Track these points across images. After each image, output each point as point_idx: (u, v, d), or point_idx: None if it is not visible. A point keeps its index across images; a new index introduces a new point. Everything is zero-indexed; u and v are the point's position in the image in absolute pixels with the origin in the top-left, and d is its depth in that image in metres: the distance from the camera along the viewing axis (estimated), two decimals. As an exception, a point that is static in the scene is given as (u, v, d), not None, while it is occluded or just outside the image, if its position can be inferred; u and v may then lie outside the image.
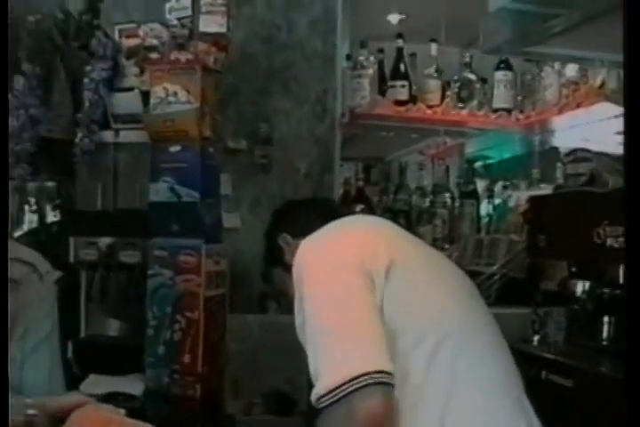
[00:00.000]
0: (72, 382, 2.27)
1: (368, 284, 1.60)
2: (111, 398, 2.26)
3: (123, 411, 1.47)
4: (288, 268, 1.88)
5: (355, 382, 1.44)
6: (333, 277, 1.62)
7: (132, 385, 2.61)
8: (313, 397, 1.49)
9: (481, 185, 4.36)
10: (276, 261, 2.09)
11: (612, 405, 2.31)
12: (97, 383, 2.61)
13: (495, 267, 3.53)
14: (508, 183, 4.28)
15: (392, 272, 1.62)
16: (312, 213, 2.09)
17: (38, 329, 1.86)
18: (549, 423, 2.49)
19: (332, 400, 1.46)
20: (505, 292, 3.49)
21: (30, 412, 1.50)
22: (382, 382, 1.45)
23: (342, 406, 1.45)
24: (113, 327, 2.90)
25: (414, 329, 1.61)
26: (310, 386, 1.93)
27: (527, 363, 2.83)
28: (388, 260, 1.64)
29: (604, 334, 2.79)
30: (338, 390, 1.45)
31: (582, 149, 3.09)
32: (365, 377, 1.44)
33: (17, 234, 2.94)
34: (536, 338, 3.04)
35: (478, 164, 4.66)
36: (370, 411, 1.45)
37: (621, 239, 2.50)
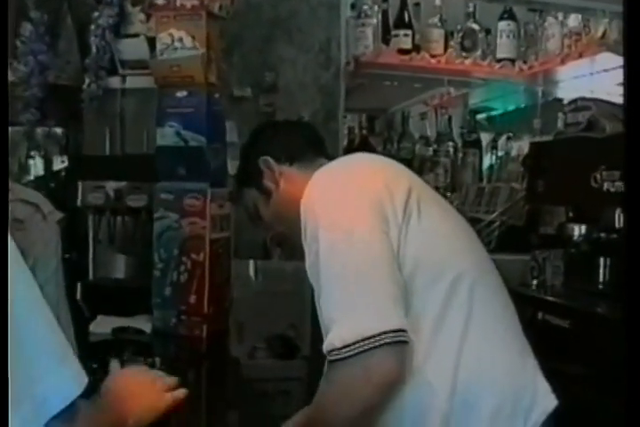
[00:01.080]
0: (81, 323, 2.34)
1: (384, 228, 1.54)
2: (121, 332, 2.33)
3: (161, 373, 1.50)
4: (265, 191, 1.88)
5: (373, 340, 1.42)
6: (349, 221, 1.55)
7: (141, 324, 2.68)
8: (327, 347, 1.47)
9: (485, 138, 4.39)
10: (251, 183, 1.93)
11: (606, 344, 2.37)
12: (106, 323, 2.68)
13: (495, 214, 3.57)
14: (511, 134, 4.31)
15: (410, 205, 1.58)
16: (296, 136, 1.97)
17: (46, 266, 1.92)
18: (546, 361, 2.56)
19: (347, 355, 1.44)
20: (504, 238, 3.54)
21: None
22: (399, 341, 1.44)
23: (357, 364, 1.45)
24: (120, 270, 2.97)
25: (433, 263, 1.59)
26: (314, 331, 1.99)
27: (525, 305, 2.90)
28: (407, 193, 1.59)
29: (600, 276, 2.84)
30: (355, 346, 1.43)
31: (582, 98, 3.12)
32: (383, 336, 1.43)
33: (26, 179, 2.99)
34: (534, 282, 3.10)
35: (482, 116, 4.67)
36: (386, 372, 1.46)
37: (618, 183, 2.54)
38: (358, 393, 1.47)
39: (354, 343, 1.43)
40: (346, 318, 1.48)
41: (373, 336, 1.42)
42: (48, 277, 1.93)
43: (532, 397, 1.60)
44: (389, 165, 1.77)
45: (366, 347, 1.42)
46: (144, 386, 1.42)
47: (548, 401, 1.62)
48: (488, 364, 1.58)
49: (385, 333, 1.43)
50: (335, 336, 1.46)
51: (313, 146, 1.94)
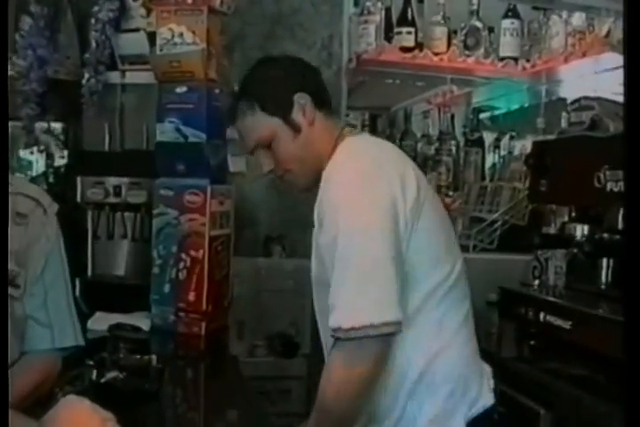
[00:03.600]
0: (79, 320, 2.32)
1: (395, 228, 1.75)
2: (117, 329, 2.31)
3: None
4: (294, 126, 1.92)
5: (376, 328, 1.67)
6: (367, 217, 1.74)
7: (139, 320, 2.67)
8: (334, 324, 1.70)
9: (488, 137, 4.36)
10: (278, 112, 1.93)
11: (608, 345, 2.36)
12: (104, 320, 2.66)
13: (497, 214, 3.55)
14: (514, 134, 4.29)
15: (418, 204, 1.81)
16: (325, 86, 2.03)
17: (54, 262, 1.91)
18: (547, 362, 2.55)
19: (353, 336, 1.68)
20: (507, 238, 3.53)
21: None
22: (394, 332, 1.71)
23: (360, 344, 1.69)
24: (119, 266, 2.95)
25: (427, 261, 1.85)
26: (314, 329, 2.07)
27: (526, 305, 2.88)
28: (417, 190, 1.81)
29: (603, 277, 2.82)
30: (360, 331, 1.67)
31: (586, 97, 3.09)
32: (384, 327, 1.68)
33: (25, 174, 2.98)
34: (536, 282, 3.08)
35: (485, 115, 4.65)
36: (378, 354, 1.72)
37: (621, 183, 2.52)
38: (357, 368, 1.71)
39: (360, 328, 1.67)
40: (357, 304, 1.71)
41: (376, 326, 1.67)
42: (57, 273, 1.92)
43: (478, 391, 1.91)
44: (404, 160, 1.92)
45: (370, 333, 1.67)
46: (87, 418, 1.40)
47: (488, 398, 1.92)
48: (452, 354, 1.87)
49: (386, 324, 1.68)
50: (344, 317, 1.69)
51: (330, 102, 2.03)
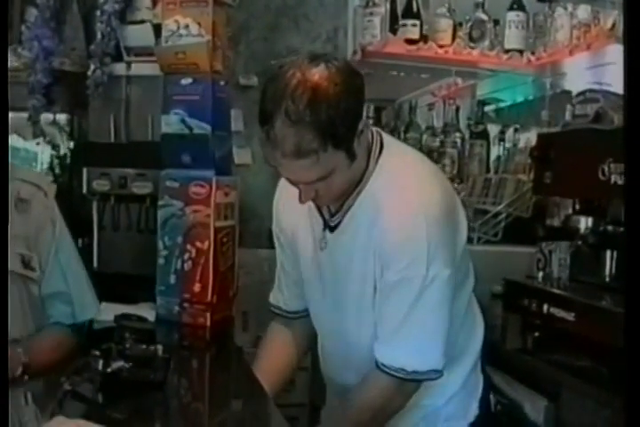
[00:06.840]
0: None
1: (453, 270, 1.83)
2: (123, 319, 2.32)
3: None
4: (352, 155, 1.72)
5: (422, 373, 1.83)
6: (445, 263, 1.79)
7: (145, 311, 2.67)
8: (395, 363, 1.82)
9: (493, 130, 4.36)
10: (343, 145, 1.68)
11: (611, 337, 2.36)
12: (109, 310, 2.66)
13: (501, 206, 3.55)
14: (519, 126, 4.29)
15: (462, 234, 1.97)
16: None
17: (66, 240, 1.95)
18: (551, 354, 2.56)
19: (400, 376, 1.82)
20: (511, 230, 3.53)
21: (23, 360, 1.71)
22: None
23: (403, 384, 1.85)
24: (125, 257, 2.96)
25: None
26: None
27: (530, 297, 2.89)
28: (465, 222, 1.98)
29: (606, 269, 2.82)
30: (422, 375, 1.83)
31: (591, 90, 3.09)
32: (432, 373, 1.83)
33: (31, 165, 3.00)
34: (540, 275, 3.08)
35: (490, 107, 4.64)
36: (414, 392, 1.90)
37: (625, 176, 2.52)
38: (393, 401, 1.89)
39: (424, 372, 1.83)
40: (428, 350, 1.83)
41: (438, 371, 1.83)
42: (70, 250, 1.99)
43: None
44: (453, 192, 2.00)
45: (432, 376, 1.84)
46: None
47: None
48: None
49: (434, 370, 1.83)
50: (411, 361, 1.82)
51: None
